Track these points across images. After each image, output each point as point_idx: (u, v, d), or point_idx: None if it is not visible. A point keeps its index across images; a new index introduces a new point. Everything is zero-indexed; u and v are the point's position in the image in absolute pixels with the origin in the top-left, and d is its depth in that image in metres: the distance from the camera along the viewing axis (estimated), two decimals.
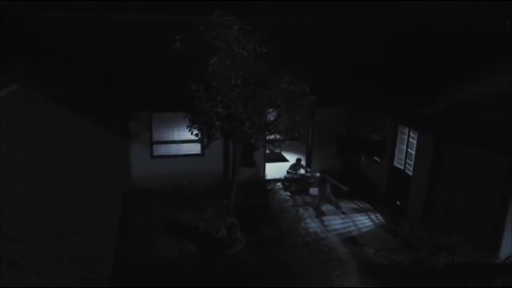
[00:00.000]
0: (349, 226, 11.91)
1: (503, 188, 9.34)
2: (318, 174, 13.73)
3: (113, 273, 5.70)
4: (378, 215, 12.55)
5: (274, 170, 14.67)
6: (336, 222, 12.09)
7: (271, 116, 9.94)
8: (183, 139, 12.96)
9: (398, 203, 12.56)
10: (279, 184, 14.14)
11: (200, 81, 8.82)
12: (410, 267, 9.43)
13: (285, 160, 16.20)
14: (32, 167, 6.56)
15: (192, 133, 9.59)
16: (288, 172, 14.25)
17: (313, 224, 11.74)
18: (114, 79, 11.60)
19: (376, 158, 13.65)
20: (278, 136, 10.27)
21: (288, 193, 13.81)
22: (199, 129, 9.44)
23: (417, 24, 13.28)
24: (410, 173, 12.04)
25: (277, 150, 11.17)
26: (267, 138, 10.14)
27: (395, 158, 12.84)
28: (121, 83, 11.66)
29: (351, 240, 11.07)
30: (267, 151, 13.13)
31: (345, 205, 13.10)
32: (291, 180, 14.02)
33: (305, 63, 11.74)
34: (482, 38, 11.55)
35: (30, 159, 6.71)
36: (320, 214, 12.38)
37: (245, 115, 8.94)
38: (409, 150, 12.13)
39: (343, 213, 12.54)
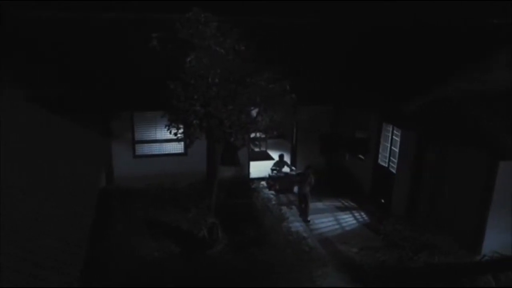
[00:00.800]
0: (333, 225, 11.84)
1: (485, 186, 9.30)
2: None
3: (85, 274, 5.59)
4: (362, 213, 12.50)
5: (259, 169, 14.56)
6: (319, 221, 11.99)
7: (255, 114, 9.79)
8: (166, 138, 12.74)
9: (382, 201, 12.52)
10: (263, 182, 14.02)
11: (178, 80, 8.68)
12: (392, 266, 9.38)
13: (270, 158, 16.10)
14: (6, 167, 6.40)
15: (170, 133, 9.45)
16: (272, 170, 14.13)
17: (296, 223, 11.66)
18: (94, 78, 11.42)
19: (360, 156, 13.61)
20: (259, 135, 10.15)
21: (273, 192, 13.70)
22: (178, 128, 9.31)
23: (401, 23, 13.23)
24: (394, 171, 12.00)
25: (259, 149, 11.07)
26: (250, 136, 9.99)
27: (379, 156, 12.79)
28: (101, 82, 11.48)
29: (334, 239, 10.99)
30: (250, 150, 13.02)
31: (329, 203, 13.07)
32: (276, 179, 13.91)
33: (289, 61, 11.65)
34: (465, 36, 11.53)
35: (4, 160, 6.54)
36: (306, 220, 12.02)
37: (224, 113, 8.81)
38: (393, 147, 12.09)
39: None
